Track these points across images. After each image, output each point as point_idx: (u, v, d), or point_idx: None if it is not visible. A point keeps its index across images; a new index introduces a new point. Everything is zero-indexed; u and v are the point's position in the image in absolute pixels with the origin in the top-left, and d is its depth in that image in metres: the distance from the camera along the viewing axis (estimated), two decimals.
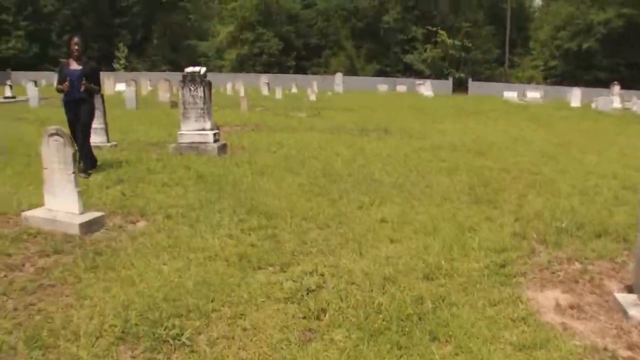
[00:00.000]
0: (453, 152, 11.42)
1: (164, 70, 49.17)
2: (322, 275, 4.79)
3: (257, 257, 5.17)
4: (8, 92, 27.70)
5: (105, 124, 11.06)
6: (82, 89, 8.54)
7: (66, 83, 8.51)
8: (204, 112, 10.36)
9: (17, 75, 43.42)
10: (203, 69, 10.42)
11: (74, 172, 5.83)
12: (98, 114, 10.65)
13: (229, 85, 33.38)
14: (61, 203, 6.01)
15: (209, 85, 10.36)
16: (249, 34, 49.85)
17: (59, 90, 8.84)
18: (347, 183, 8.30)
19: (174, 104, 21.13)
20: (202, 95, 10.30)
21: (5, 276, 4.80)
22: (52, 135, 5.87)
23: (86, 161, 8.62)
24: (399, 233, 5.98)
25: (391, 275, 4.80)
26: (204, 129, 10.40)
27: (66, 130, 5.98)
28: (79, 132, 8.63)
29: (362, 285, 4.60)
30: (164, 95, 24.45)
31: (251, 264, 5.02)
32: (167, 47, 56.14)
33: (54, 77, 38.12)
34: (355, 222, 6.35)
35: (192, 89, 10.33)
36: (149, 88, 32.34)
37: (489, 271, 4.97)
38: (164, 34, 56.63)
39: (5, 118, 17.40)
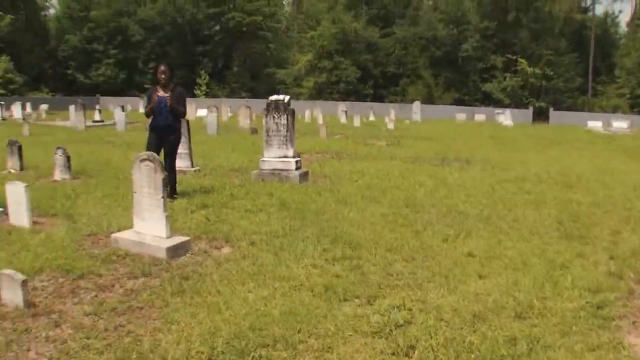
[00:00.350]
0: (539, 184, 11.04)
1: (244, 97, 50.17)
2: (410, 310, 4.65)
3: (342, 288, 5.08)
4: (97, 116, 28.89)
5: (190, 149, 11.29)
6: (169, 104, 8.65)
7: (152, 104, 8.74)
8: (286, 140, 10.43)
9: (105, 100, 45.28)
10: (287, 97, 10.50)
11: (162, 197, 5.93)
12: (183, 139, 10.91)
13: (307, 113, 33.66)
14: (149, 226, 6.12)
15: (292, 113, 10.43)
16: (327, 62, 50.28)
17: (147, 114, 9.00)
18: (431, 214, 8.13)
19: (253, 130, 21.49)
20: (286, 122, 10.38)
21: (96, 296, 4.90)
22: (143, 160, 6.00)
23: (173, 186, 8.74)
24: (487, 268, 5.77)
25: (481, 313, 4.61)
26: (286, 156, 10.46)
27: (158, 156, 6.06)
28: (166, 158, 8.69)
29: (451, 322, 4.44)
30: (244, 122, 24.88)
31: (337, 295, 4.94)
32: (247, 74, 57.33)
33: (139, 102, 39.79)
34: (441, 255, 6.17)
35: (276, 116, 10.43)
36: (229, 114, 33.00)
37: (585, 312, 4.70)
38: (244, 61, 57.90)
39: (95, 141, 18.09)
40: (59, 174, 10.47)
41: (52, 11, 65.13)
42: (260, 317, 4.45)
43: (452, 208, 8.55)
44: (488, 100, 49.71)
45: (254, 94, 53.20)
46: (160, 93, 8.80)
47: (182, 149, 10.98)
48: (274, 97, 10.64)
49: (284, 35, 64.41)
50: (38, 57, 56.08)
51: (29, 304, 4.59)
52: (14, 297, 4.59)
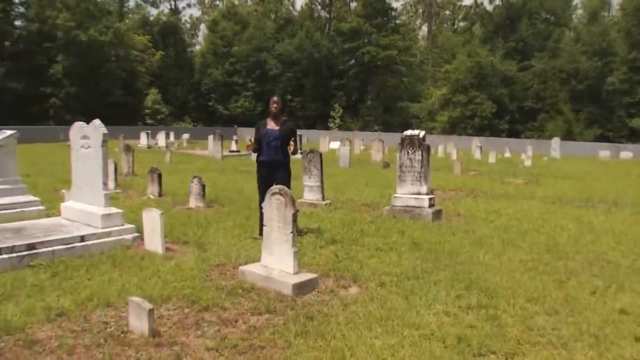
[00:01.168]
0: None
1: (376, 130, 50.30)
2: None
3: (477, 341, 4.65)
4: (233, 146, 29.95)
5: (321, 182, 11.22)
6: (292, 150, 8.42)
7: (253, 142, 8.48)
8: (420, 176, 10.09)
9: (242, 131, 46.93)
10: (422, 132, 10.19)
11: (292, 232, 5.80)
12: (315, 172, 10.88)
13: (440, 148, 33.08)
14: (277, 261, 6.01)
15: (427, 149, 10.09)
16: (462, 97, 49.38)
17: (248, 148, 8.70)
18: (576, 262, 7.45)
19: (386, 165, 21.28)
20: (420, 158, 10.06)
21: (219, 330, 4.80)
22: (274, 194, 5.92)
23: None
24: None
25: None
26: (419, 193, 10.12)
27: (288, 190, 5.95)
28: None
29: None
30: (376, 155, 24.79)
31: (471, 349, 4.53)
32: (380, 107, 57.53)
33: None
34: (588, 310, 5.56)
35: (410, 151, 10.14)
36: (362, 147, 33.10)
37: None
38: (377, 95, 58.22)
39: (229, 170, 18.63)
40: (193, 202, 10.74)
41: (197, 47, 69.08)
42: None
43: (599, 256, 7.81)
44: (635, 136, 46.50)
45: (387, 127, 53.22)
46: (270, 126, 8.45)
47: (313, 182, 10.98)
48: (408, 132, 10.36)
49: (418, 69, 64.17)
50: (183, 89, 59.58)
51: (154, 332, 4.57)
52: (141, 324, 4.58)
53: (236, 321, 5.00)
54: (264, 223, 6.12)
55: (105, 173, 7.75)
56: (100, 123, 7.76)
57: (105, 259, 6.83)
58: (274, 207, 5.91)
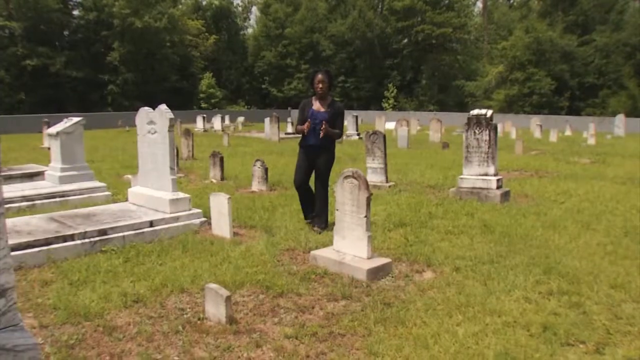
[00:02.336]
0: None
1: (431, 110, 49.65)
2: None
3: (563, 329, 4.43)
4: (289, 129, 29.96)
5: (385, 164, 11.04)
6: (322, 134, 7.42)
7: (307, 124, 7.60)
8: (487, 157, 9.81)
9: (295, 113, 46.91)
10: (489, 112, 9.88)
11: (366, 216, 5.66)
12: (379, 153, 10.71)
13: (499, 127, 32.40)
14: (349, 246, 5.89)
15: (494, 128, 9.78)
16: (519, 74, 48.10)
17: (298, 132, 7.92)
18: None
19: (445, 145, 20.91)
20: (487, 139, 9.77)
21: (296, 317, 4.72)
22: (347, 177, 5.79)
23: (321, 217, 7.72)
24: None
25: None
26: (486, 174, 9.84)
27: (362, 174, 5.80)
28: (317, 182, 7.75)
29: None
30: (434, 135, 24.42)
31: (558, 338, 4.31)
32: (435, 87, 56.70)
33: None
34: None
35: (477, 132, 9.85)
36: (418, 128, 32.67)
37: None
38: (432, 74, 57.34)
39: (288, 153, 18.60)
40: (256, 185, 10.72)
41: (249, 31, 69.32)
42: (472, 357, 3.98)
43: None
44: None
45: (442, 106, 52.47)
46: (316, 106, 7.68)
47: (376, 164, 10.82)
48: (475, 112, 10.06)
49: (473, 47, 62.86)
50: (236, 73, 59.95)
51: (231, 319, 4.52)
52: (217, 311, 4.54)
53: (313, 307, 4.91)
54: (336, 207, 6.00)
55: (172, 158, 7.76)
56: (167, 108, 7.76)
57: (176, 245, 6.84)
58: (347, 190, 5.78)
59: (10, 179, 11.80)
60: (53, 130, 10.13)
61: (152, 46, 47.65)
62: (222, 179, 11.91)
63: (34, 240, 6.36)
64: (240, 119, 39.98)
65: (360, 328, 4.47)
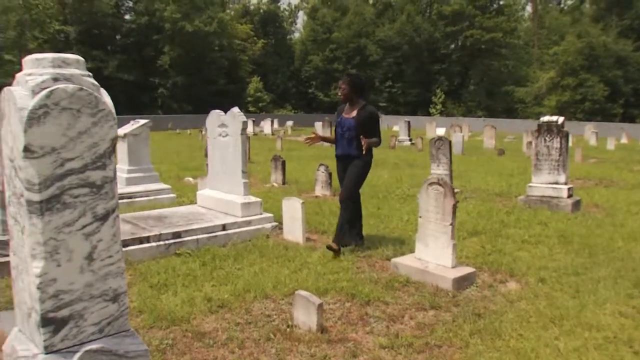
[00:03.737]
0: None
1: (480, 116, 49.06)
2: None
3: None
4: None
5: (450, 170, 10.87)
6: (364, 148, 6.67)
7: (313, 136, 7.37)
8: (558, 165, 9.56)
9: None
10: (560, 119, 9.63)
11: (451, 224, 5.54)
12: (444, 160, 10.55)
13: None
14: (432, 254, 5.77)
15: (566, 136, 9.53)
16: (571, 80, 47.17)
17: (332, 140, 7.38)
18: None
19: (501, 152, 20.57)
20: (558, 146, 9.52)
21: (388, 327, 4.62)
22: (432, 184, 5.67)
23: (350, 231, 6.93)
24: None
25: None
26: (557, 183, 9.59)
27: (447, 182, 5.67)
28: (344, 185, 6.99)
29: None
30: (488, 142, 24.06)
31: None
32: (483, 92, 56.02)
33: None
34: None
35: (548, 139, 9.61)
36: (469, 133, 32.27)
37: None
38: (480, 80, 56.69)
39: None
40: (319, 190, 10.67)
41: (296, 35, 69.68)
42: None
43: None
44: None
45: (490, 112, 51.82)
46: (347, 113, 7.05)
47: (441, 170, 10.66)
48: (546, 118, 9.82)
49: (522, 52, 61.91)
50: (283, 77, 60.25)
51: (321, 328, 4.44)
52: (308, 319, 4.46)
53: (402, 317, 4.81)
54: (419, 214, 5.88)
55: (244, 161, 7.75)
56: (239, 111, 7.76)
57: (250, 249, 6.81)
58: (432, 197, 5.66)
59: None
60: (120, 131, 10.24)
61: (201, 50, 48.23)
62: (284, 183, 11.89)
63: None
64: (289, 123, 40.13)
65: (456, 339, 4.34)
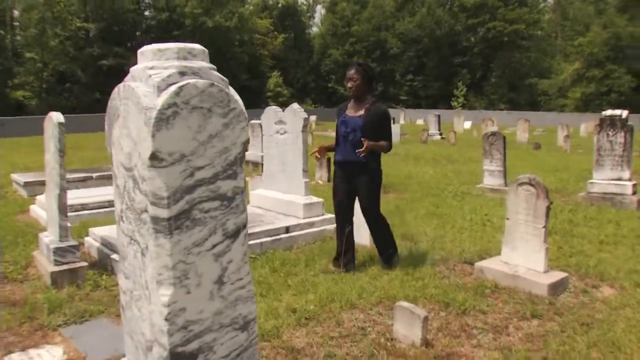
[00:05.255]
0: None
1: (502, 109, 48.43)
2: None
3: None
4: None
5: (504, 166, 10.52)
6: (363, 152, 5.48)
7: (317, 149, 6.24)
8: (622, 160, 9.20)
9: None
10: (625, 112, 9.25)
11: (544, 227, 5.22)
12: (498, 155, 10.22)
13: (582, 127, 31.20)
14: (521, 257, 5.45)
15: (630, 130, 9.15)
16: (597, 71, 46.29)
17: (314, 155, 6.29)
18: None
19: (536, 146, 20.16)
20: (623, 141, 9.15)
21: (495, 339, 4.30)
22: (522, 184, 5.36)
23: (384, 254, 6.07)
24: None
25: None
26: (620, 179, 9.23)
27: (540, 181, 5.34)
28: (365, 216, 6.00)
29: None
30: (522, 135, 23.62)
31: None
32: (505, 85, 55.27)
33: (399, 114, 40.14)
34: None
35: (610, 133, 9.24)
36: (495, 127, 31.74)
37: None
38: (502, 72, 55.95)
39: None
40: None
41: (315, 29, 69.27)
42: None
43: None
44: None
45: (513, 105, 51.14)
46: (351, 112, 5.85)
47: (494, 166, 10.35)
48: (608, 112, 9.45)
49: (545, 43, 61.03)
50: (302, 71, 59.90)
51: (425, 342, 4.15)
52: (410, 333, 4.17)
53: (506, 327, 4.49)
54: (507, 216, 5.57)
55: (305, 160, 7.46)
56: (300, 107, 7.47)
57: (319, 253, 6.52)
58: (522, 198, 5.35)
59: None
60: None
61: (222, 45, 47.90)
62: (329, 180, 11.60)
63: None
64: (313, 117, 39.76)
65: (574, 353, 4.02)
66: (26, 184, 10.97)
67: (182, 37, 46.58)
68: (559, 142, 22.06)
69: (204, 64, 2.49)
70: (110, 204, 8.88)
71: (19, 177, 11.40)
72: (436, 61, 56.01)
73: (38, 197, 9.28)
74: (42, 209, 8.86)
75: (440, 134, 25.40)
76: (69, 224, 5.91)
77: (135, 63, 2.60)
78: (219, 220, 2.44)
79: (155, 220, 2.27)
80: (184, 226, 2.32)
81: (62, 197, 5.82)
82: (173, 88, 2.24)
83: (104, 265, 6.23)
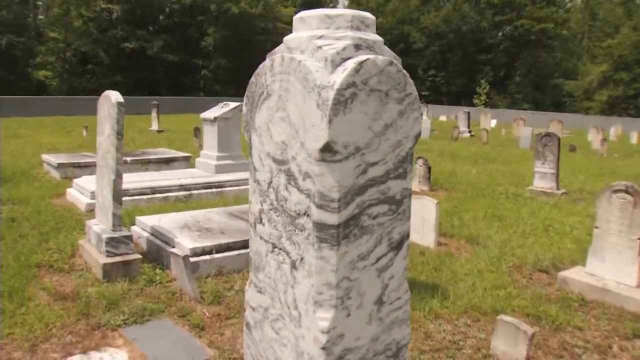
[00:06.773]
0: None
1: (525, 109, 47.72)
2: None
3: None
4: None
5: (557, 169, 10.09)
6: None
7: None
8: None
9: None
10: None
11: (639, 239, 4.84)
12: (550, 157, 9.84)
13: (612, 130, 30.61)
14: (610, 270, 5.07)
15: None
16: (625, 74, 45.53)
17: None
18: None
19: (572, 148, 19.68)
20: None
21: None
22: (617, 191, 4.97)
23: None
24: None
25: None
26: None
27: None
28: None
29: None
30: None
31: None
32: (530, 85, 54.50)
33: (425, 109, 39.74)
34: None
35: None
36: (529, 128, 31.20)
37: None
38: (527, 71, 55.17)
39: (418, 151, 17.76)
40: (417, 185, 9.98)
41: None
42: None
43: None
44: None
45: (537, 105, 50.43)
46: None
47: (547, 168, 9.98)
48: None
49: (571, 44, 60.15)
50: None
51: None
52: (512, 350, 3.82)
53: (610, 347, 4.13)
54: (596, 224, 5.19)
55: None
56: None
57: None
58: (616, 206, 4.96)
59: (148, 163, 11.51)
60: (209, 115, 9.66)
61: (246, 32, 47.47)
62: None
63: (233, 242, 5.81)
64: None
65: None
66: (59, 166, 10.67)
67: (206, 22, 46.34)
68: (593, 145, 21.55)
69: (377, 37, 2.11)
70: (153, 190, 8.58)
71: (52, 158, 11.08)
72: (460, 57, 55.31)
73: (75, 180, 8.98)
74: (80, 192, 8.58)
75: (470, 132, 24.91)
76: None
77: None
78: (386, 228, 2.07)
79: (320, 226, 1.89)
80: (352, 235, 1.94)
81: (117, 183, 5.51)
82: (351, 64, 1.84)
83: (154, 257, 5.90)
